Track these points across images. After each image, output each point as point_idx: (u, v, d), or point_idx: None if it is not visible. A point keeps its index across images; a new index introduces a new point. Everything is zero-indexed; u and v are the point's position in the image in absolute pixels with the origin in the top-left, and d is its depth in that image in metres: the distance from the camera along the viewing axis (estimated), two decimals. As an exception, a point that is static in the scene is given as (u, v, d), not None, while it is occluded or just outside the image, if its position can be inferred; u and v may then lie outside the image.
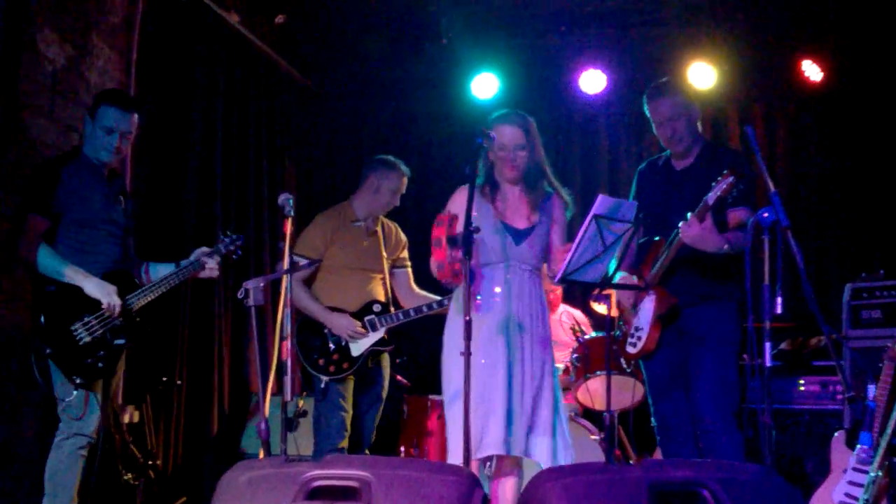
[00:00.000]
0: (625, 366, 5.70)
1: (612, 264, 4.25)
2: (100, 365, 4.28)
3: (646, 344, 4.57)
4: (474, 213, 4.06)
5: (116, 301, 4.35)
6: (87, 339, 4.28)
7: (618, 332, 4.81)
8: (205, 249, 4.78)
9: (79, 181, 4.41)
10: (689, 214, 4.27)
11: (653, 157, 5.00)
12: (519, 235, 4.40)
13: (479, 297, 4.32)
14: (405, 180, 5.63)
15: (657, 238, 4.55)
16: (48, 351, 4.22)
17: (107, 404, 4.45)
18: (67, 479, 4.23)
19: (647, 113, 4.77)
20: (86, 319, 4.31)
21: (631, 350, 4.67)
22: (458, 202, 4.39)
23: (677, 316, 4.55)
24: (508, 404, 4.19)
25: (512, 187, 4.47)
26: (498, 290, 4.33)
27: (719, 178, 4.17)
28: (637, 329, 4.62)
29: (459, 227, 4.01)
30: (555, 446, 4.25)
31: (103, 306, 4.33)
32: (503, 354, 4.24)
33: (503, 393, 4.19)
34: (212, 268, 4.76)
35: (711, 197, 4.20)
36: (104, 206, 4.52)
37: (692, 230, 4.26)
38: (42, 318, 4.25)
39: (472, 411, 3.86)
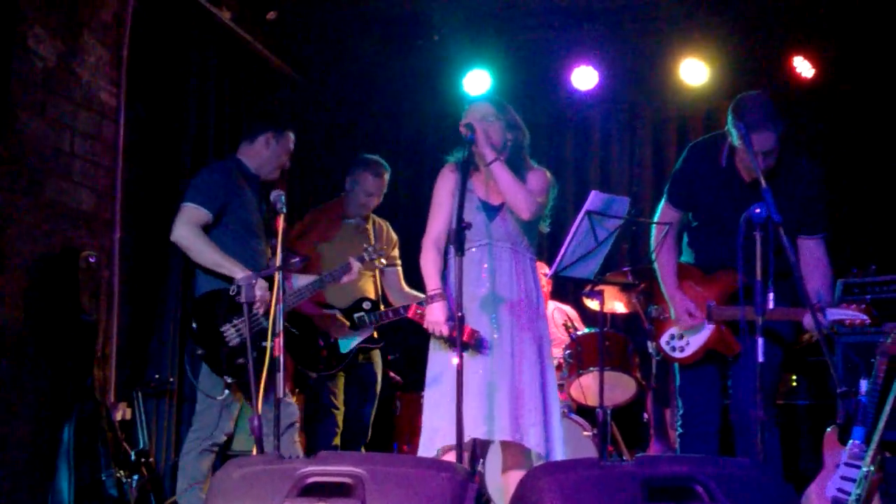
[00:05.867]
0: (651, 351, 5.47)
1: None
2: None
3: (687, 358, 4.55)
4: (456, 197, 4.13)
5: (265, 293, 4.53)
6: (237, 340, 4.49)
7: (651, 310, 4.75)
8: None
9: (243, 188, 4.76)
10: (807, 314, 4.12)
11: (710, 142, 4.60)
12: (492, 210, 4.36)
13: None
14: (380, 180, 5.60)
15: (730, 263, 4.27)
16: (200, 352, 4.47)
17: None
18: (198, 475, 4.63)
19: (733, 129, 4.23)
20: (234, 321, 4.53)
21: (667, 349, 4.61)
22: (442, 190, 4.44)
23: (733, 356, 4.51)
24: (488, 387, 4.15)
25: (489, 168, 4.40)
26: (485, 265, 4.31)
27: (852, 305, 4.13)
28: (684, 339, 4.57)
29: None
30: (548, 434, 4.22)
31: (256, 302, 4.50)
32: (486, 335, 4.21)
33: (483, 375, 4.17)
34: (353, 270, 5.05)
35: (834, 314, 4.13)
36: (260, 218, 4.87)
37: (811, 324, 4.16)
38: (194, 322, 4.52)
39: (450, 397, 3.85)
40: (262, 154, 4.94)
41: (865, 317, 4.11)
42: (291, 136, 5.05)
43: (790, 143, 4.43)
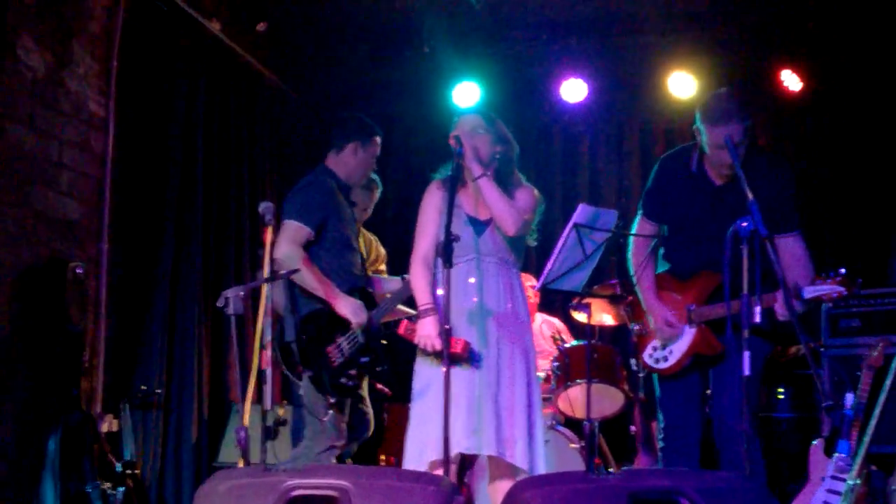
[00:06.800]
0: (635, 367, 5.49)
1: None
2: (350, 384, 4.57)
3: (671, 368, 4.47)
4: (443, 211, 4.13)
5: (364, 319, 4.58)
6: (340, 360, 4.53)
7: (633, 325, 4.73)
8: None
9: (341, 203, 4.78)
10: (780, 296, 4.07)
11: (679, 153, 4.61)
12: (480, 225, 4.36)
13: None
14: (372, 195, 5.63)
15: (706, 268, 4.34)
16: (309, 374, 4.49)
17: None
18: None
19: (702, 128, 4.26)
20: (338, 341, 4.56)
21: (650, 362, 4.55)
22: (430, 206, 4.43)
23: (716, 358, 4.44)
24: (476, 400, 4.14)
25: (476, 183, 4.38)
26: (472, 280, 4.30)
27: (828, 280, 4.06)
28: (667, 349, 4.51)
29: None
30: (532, 449, 4.20)
31: (353, 325, 4.56)
32: (474, 349, 4.20)
33: (471, 389, 4.15)
34: None
35: (809, 292, 4.09)
36: (355, 230, 4.92)
37: (786, 313, 4.08)
38: (301, 343, 4.52)
39: (438, 410, 3.83)
40: (350, 163, 4.96)
41: (843, 288, 4.06)
42: (378, 139, 5.05)
43: (758, 143, 4.44)
